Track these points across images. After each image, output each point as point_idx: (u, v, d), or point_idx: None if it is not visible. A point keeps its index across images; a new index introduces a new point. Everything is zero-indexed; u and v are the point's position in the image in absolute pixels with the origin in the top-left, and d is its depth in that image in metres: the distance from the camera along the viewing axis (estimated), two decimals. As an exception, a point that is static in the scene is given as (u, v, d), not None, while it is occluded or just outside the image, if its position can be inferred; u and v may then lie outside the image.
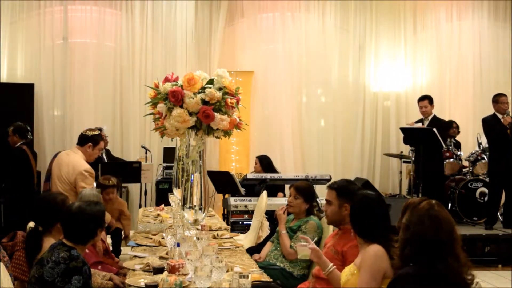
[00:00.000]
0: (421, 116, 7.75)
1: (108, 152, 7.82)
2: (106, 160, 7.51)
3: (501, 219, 7.43)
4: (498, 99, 7.20)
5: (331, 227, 3.83)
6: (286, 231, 4.27)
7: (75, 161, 4.97)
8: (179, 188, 4.15)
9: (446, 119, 8.79)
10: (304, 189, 4.30)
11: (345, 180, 3.67)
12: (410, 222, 2.32)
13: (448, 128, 7.77)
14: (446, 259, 2.24)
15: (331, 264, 3.03)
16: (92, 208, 3.09)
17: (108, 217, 4.75)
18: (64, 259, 2.83)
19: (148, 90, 3.28)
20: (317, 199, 5.33)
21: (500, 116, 7.11)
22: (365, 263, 2.77)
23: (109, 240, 5.18)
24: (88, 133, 5.14)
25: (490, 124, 7.13)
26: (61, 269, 2.81)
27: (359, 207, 2.92)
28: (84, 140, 5.11)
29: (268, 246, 4.48)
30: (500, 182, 7.13)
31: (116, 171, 7.00)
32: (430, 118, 7.56)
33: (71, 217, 3.05)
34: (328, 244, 3.56)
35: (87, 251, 3.56)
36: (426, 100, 7.58)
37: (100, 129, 7.63)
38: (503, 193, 7.29)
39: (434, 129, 7.32)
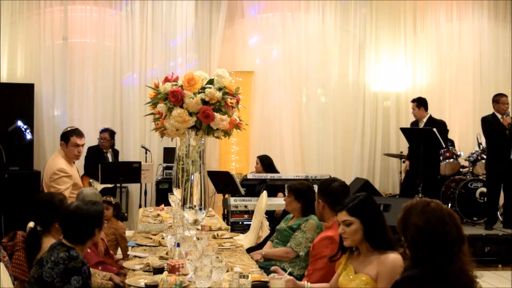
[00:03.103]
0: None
1: (116, 154, 7.85)
2: (111, 160, 7.53)
3: (501, 219, 7.44)
4: (498, 99, 7.21)
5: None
6: (286, 229, 4.28)
7: (51, 162, 5.00)
8: (179, 188, 4.15)
9: (446, 119, 8.80)
10: (295, 187, 4.33)
11: (329, 178, 3.76)
12: (428, 224, 2.25)
13: (444, 127, 7.79)
14: (459, 257, 2.23)
15: (305, 282, 3.03)
16: (90, 207, 3.09)
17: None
18: (63, 259, 2.83)
19: (148, 90, 3.28)
20: None
21: (499, 116, 7.12)
22: (386, 275, 2.68)
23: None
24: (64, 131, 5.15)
25: (489, 124, 7.15)
26: (60, 269, 2.81)
27: (369, 216, 2.83)
28: (60, 139, 5.12)
29: (268, 245, 4.49)
30: (498, 182, 7.15)
31: (116, 171, 7.04)
32: (425, 120, 7.63)
33: (68, 217, 3.05)
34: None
35: (88, 250, 3.56)
36: (414, 103, 7.68)
37: (105, 130, 7.67)
38: (501, 193, 7.31)
39: (434, 129, 7.33)
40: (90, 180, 7.18)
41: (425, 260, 2.22)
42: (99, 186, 6.67)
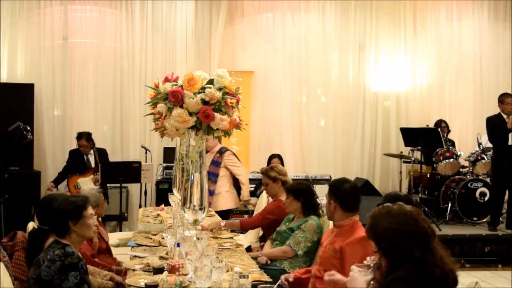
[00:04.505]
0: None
1: (101, 153, 7.50)
2: (94, 161, 7.36)
3: (501, 220, 7.40)
4: (503, 99, 7.09)
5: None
6: (286, 231, 4.27)
7: None
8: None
9: (446, 119, 8.80)
10: (293, 187, 4.33)
11: (340, 178, 3.73)
12: (401, 224, 2.29)
13: None
14: (437, 249, 2.28)
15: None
16: (65, 200, 3.03)
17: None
18: (59, 256, 2.82)
19: (148, 90, 3.28)
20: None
21: (505, 116, 7.03)
22: None
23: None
24: None
25: (493, 124, 7.07)
26: (57, 266, 2.79)
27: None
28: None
29: (268, 245, 4.48)
30: (503, 183, 7.09)
31: (116, 171, 7.03)
32: None
33: (43, 209, 3.02)
34: (325, 243, 3.57)
35: (85, 242, 3.54)
36: None
37: (79, 137, 7.29)
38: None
39: (439, 129, 7.33)
40: (76, 183, 7.11)
41: (407, 259, 2.25)
42: (86, 188, 6.65)
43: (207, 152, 6.66)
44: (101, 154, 7.44)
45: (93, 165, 7.26)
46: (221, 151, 6.54)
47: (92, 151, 7.35)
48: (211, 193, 6.41)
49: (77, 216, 2.99)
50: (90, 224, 3.04)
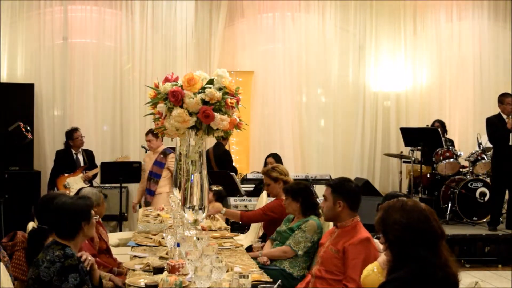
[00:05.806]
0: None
1: (89, 155, 7.54)
2: (83, 161, 7.39)
3: (501, 220, 7.40)
4: (503, 99, 7.06)
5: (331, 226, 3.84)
6: (286, 231, 4.26)
7: None
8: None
9: (446, 119, 8.80)
10: (291, 188, 4.34)
11: (342, 178, 3.73)
12: (412, 220, 2.28)
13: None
14: (443, 251, 2.27)
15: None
16: (75, 201, 3.05)
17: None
18: (59, 257, 2.81)
19: (148, 90, 3.28)
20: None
21: (505, 116, 7.00)
22: None
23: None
24: None
25: (493, 125, 7.04)
26: (57, 267, 2.79)
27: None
28: None
29: (269, 245, 4.48)
30: (503, 183, 7.08)
31: (116, 171, 7.03)
32: None
33: (54, 213, 3.02)
34: (326, 244, 3.57)
35: (86, 241, 3.54)
36: None
37: (75, 129, 7.48)
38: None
39: (439, 129, 7.30)
40: (66, 182, 7.11)
41: (411, 256, 2.24)
42: (76, 186, 6.67)
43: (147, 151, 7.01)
44: (88, 155, 7.53)
45: (82, 164, 7.31)
46: (165, 153, 6.76)
47: (80, 150, 7.47)
48: (152, 193, 6.59)
49: (88, 217, 3.03)
50: (94, 223, 3.11)
